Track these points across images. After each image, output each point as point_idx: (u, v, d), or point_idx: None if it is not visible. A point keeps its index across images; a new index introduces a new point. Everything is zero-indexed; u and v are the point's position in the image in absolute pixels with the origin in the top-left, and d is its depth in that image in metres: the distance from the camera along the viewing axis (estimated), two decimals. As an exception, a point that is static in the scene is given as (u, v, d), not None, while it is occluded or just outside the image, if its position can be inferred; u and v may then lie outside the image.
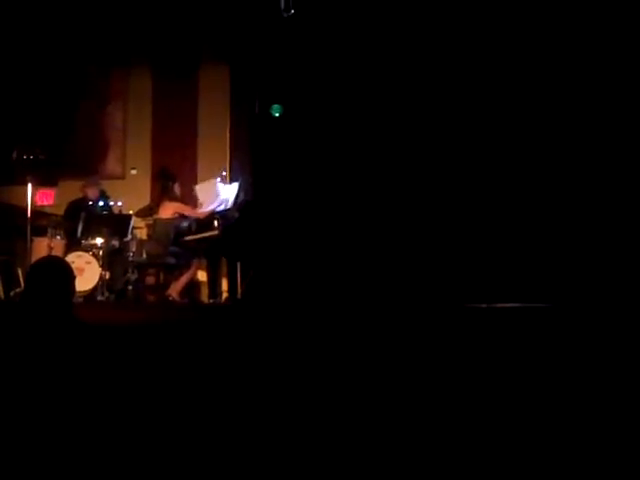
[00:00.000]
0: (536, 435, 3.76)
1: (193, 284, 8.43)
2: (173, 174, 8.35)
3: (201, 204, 8.11)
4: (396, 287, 7.41)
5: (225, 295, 8.14)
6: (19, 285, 7.22)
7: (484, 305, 6.06)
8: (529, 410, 3.94)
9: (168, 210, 8.13)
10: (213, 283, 8.14)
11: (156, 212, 8.23)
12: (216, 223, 7.82)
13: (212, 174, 8.58)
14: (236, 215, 7.83)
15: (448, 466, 3.55)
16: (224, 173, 8.67)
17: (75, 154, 9.35)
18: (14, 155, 8.14)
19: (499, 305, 6.08)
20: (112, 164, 9.56)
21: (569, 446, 3.66)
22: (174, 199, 8.18)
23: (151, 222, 8.34)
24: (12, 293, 7.34)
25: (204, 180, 8.59)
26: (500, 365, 4.44)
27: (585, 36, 7.65)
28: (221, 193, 8.14)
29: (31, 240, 7.73)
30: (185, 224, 8.12)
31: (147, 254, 8.15)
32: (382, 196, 8.08)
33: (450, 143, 8.00)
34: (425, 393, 4.13)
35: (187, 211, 8.15)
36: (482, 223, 7.76)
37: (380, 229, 7.97)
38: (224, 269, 8.16)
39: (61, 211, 8.56)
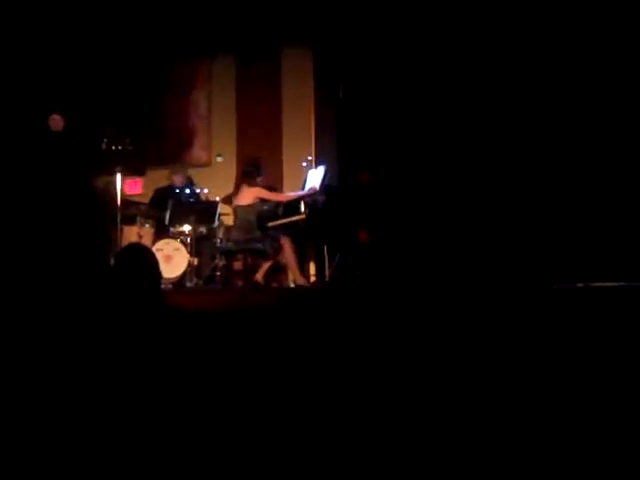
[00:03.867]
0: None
1: (280, 268, 8.43)
2: (262, 166, 8.10)
3: (313, 188, 7.89)
4: (486, 270, 7.28)
5: (313, 278, 8.13)
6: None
7: (580, 284, 5.87)
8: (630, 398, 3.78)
9: (248, 196, 7.94)
10: (301, 267, 8.14)
11: (235, 199, 8.10)
12: (302, 207, 7.77)
13: (297, 158, 8.58)
14: (323, 199, 7.77)
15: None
16: (310, 157, 8.64)
17: (162, 143, 9.49)
18: (104, 146, 8.29)
19: (596, 284, 5.88)
20: (198, 152, 9.65)
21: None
22: (253, 184, 7.99)
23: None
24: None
25: (290, 163, 8.60)
26: (596, 348, 4.29)
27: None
28: (309, 179, 8.10)
29: (121, 229, 7.88)
30: (267, 208, 8.05)
31: (233, 240, 8.17)
32: (470, 179, 7.94)
33: (534, 128, 7.81)
34: (519, 381, 4.02)
35: (267, 195, 7.99)
36: (575, 198, 7.57)
37: (468, 212, 7.83)
38: (311, 253, 8.15)
39: (148, 199, 8.69)
